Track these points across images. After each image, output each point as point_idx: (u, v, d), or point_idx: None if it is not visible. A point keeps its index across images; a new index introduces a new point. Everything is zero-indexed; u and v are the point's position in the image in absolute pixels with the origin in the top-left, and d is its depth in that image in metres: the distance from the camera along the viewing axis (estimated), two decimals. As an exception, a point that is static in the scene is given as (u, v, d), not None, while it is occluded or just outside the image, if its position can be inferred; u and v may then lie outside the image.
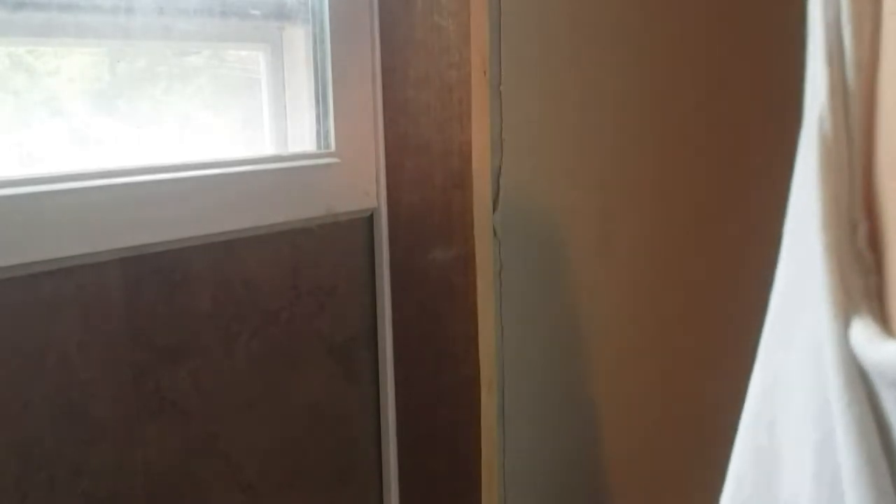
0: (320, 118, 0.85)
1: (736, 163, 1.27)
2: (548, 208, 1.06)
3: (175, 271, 0.75)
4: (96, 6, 0.70)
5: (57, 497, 0.69)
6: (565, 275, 1.10)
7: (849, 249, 0.25)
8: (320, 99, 0.85)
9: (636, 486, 1.24)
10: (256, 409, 0.82)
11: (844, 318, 0.25)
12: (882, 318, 0.25)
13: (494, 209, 0.99)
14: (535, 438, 1.09)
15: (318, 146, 0.86)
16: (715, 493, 0.34)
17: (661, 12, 1.16)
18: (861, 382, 0.24)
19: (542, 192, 1.05)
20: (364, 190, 0.88)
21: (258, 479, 0.83)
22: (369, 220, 0.90)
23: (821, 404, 0.26)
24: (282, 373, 0.84)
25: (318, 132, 0.85)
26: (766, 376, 0.31)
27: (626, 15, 1.12)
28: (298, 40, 0.85)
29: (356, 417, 0.91)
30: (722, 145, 1.26)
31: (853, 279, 0.25)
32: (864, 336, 0.24)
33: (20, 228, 0.63)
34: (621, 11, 1.11)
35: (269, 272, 0.82)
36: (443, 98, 0.96)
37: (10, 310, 0.65)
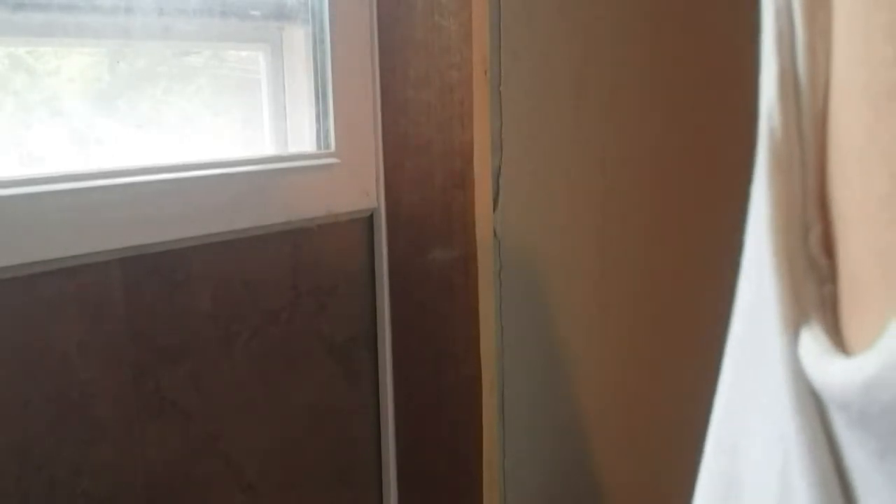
0: (320, 118, 0.85)
1: (744, 165, 1.27)
2: (547, 208, 1.06)
3: (175, 271, 0.75)
4: (96, 7, 0.70)
5: (57, 497, 0.69)
6: (565, 274, 1.10)
7: (801, 255, 0.23)
8: (320, 99, 0.85)
9: (636, 487, 1.24)
10: (256, 409, 0.82)
11: (794, 331, 0.22)
12: (835, 332, 0.22)
13: (494, 209, 0.99)
14: (535, 438, 1.09)
15: (318, 146, 0.86)
16: None
17: (662, 11, 1.16)
18: (813, 404, 0.22)
19: (542, 192, 1.05)
20: (364, 190, 0.88)
21: (258, 478, 0.83)
22: (369, 220, 0.90)
23: (779, 428, 0.23)
24: (282, 373, 0.84)
25: (317, 132, 0.86)
26: (729, 398, 0.28)
27: (626, 14, 1.12)
28: (298, 41, 0.85)
29: (356, 417, 0.92)
30: (723, 146, 1.26)
31: (805, 288, 0.23)
32: (814, 352, 0.22)
33: (20, 228, 0.63)
34: (622, 11, 1.11)
35: (269, 272, 0.82)
36: (444, 98, 0.96)
37: (10, 310, 0.65)
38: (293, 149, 0.86)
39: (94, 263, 0.69)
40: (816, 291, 0.23)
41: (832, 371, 0.21)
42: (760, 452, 0.25)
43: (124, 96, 0.75)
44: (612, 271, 1.16)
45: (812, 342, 0.22)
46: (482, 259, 1.01)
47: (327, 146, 0.85)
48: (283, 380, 0.84)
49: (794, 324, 0.23)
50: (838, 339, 0.22)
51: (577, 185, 1.10)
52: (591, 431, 1.17)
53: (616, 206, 1.14)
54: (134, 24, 0.73)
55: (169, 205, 0.72)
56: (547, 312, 1.08)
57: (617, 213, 1.15)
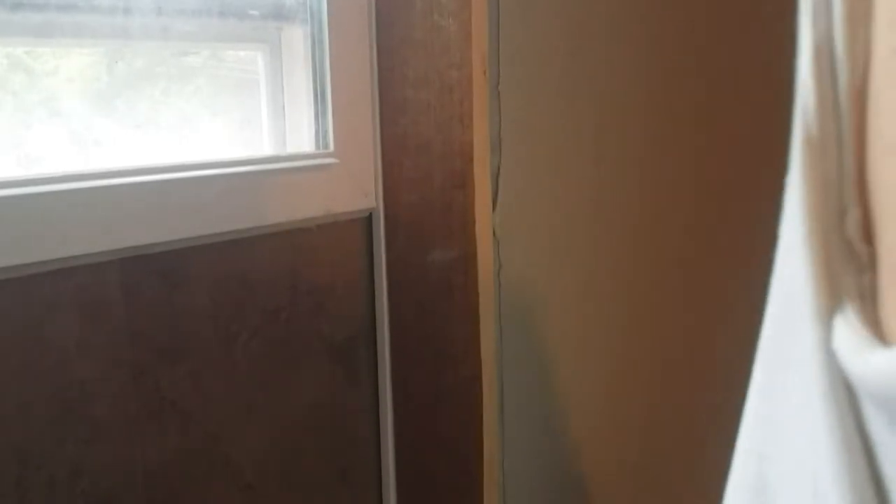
0: (319, 118, 0.85)
1: (746, 161, 1.27)
2: (546, 208, 1.06)
3: (174, 271, 0.75)
4: (94, 7, 0.70)
5: (56, 497, 0.69)
6: (564, 273, 1.10)
7: (837, 240, 0.21)
8: (319, 99, 0.85)
9: (636, 487, 1.24)
10: (255, 409, 0.82)
11: (828, 321, 0.21)
12: (875, 323, 0.20)
13: (493, 209, 0.99)
14: (535, 438, 1.09)
15: (317, 146, 0.86)
16: (713, 493, 0.31)
17: (661, 11, 1.16)
18: (847, 401, 0.20)
19: (541, 192, 1.05)
20: (363, 190, 0.88)
21: (257, 478, 0.83)
22: (368, 220, 0.90)
23: (811, 428, 0.22)
24: (281, 373, 0.84)
25: (316, 132, 0.86)
26: (760, 399, 0.26)
27: (625, 14, 1.12)
28: (297, 41, 0.85)
29: (355, 417, 0.92)
30: (723, 145, 1.26)
31: (841, 275, 0.21)
32: (850, 343, 0.20)
33: (19, 229, 0.63)
34: (621, 10, 1.11)
35: (268, 272, 0.82)
36: (443, 98, 0.96)
37: (9, 310, 0.65)
38: (292, 149, 0.86)
39: (92, 264, 0.69)
40: (854, 279, 0.21)
41: (872, 362, 0.19)
42: (791, 456, 0.24)
43: (123, 96, 0.75)
44: (610, 270, 1.16)
45: (848, 333, 0.20)
46: (482, 259, 1.01)
47: (326, 146, 0.85)
48: (282, 380, 0.84)
49: (829, 314, 0.21)
50: (878, 331, 0.20)
51: (575, 185, 1.10)
52: (590, 431, 1.17)
53: (613, 205, 1.15)
54: (132, 24, 0.73)
55: (168, 205, 0.72)
56: (546, 312, 1.08)
57: (614, 211, 1.15)
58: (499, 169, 0.99)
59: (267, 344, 0.82)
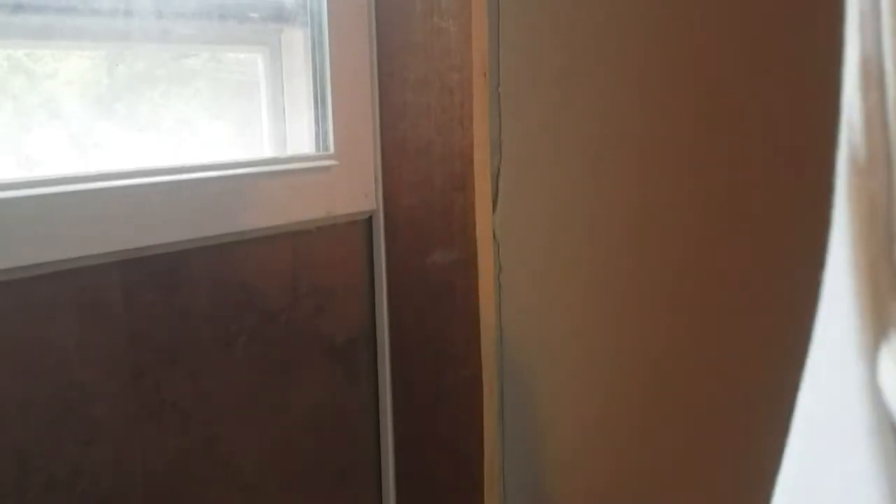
0: (319, 120, 0.85)
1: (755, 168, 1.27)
2: (546, 210, 1.07)
3: (174, 273, 0.75)
4: (95, 9, 0.71)
5: (56, 497, 0.69)
6: (564, 275, 1.10)
7: (886, 268, 0.20)
8: (319, 101, 0.85)
9: (636, 487, 1.24)
10: (255, 410, 0.82)
11: (874, 355, 0.19)
12: None
13: (493, 211, 0.99)
14: (535, 439, 1.09)
15: (317, 148, 0.86)
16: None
17: (663, 11, 1.16)
18: (895, 440, 0.19)
19: (541, 194, 1.06)
20: (363, 192, 0.88)
21: (257, 479, 0.83)
22: (368, 222, 0.90)
23: (857, 471, 0.20)
24: (280, 374, 0.84)
25: (316, 134, 0.86)
26: (802, 435, 0.24)
27: (627, 17, 1.12)
28: (297, 43, 0.85)
29: (355, 418, 0.92)
30: (730, 148, 1.26)
31: (890, 306, 0.20)
32: None
33: (19, 231, 0.64)
34: (622, 13, 1.11)
35: (268, 274, 0.82)
36: (443, 100, 0.96)
37: (9, 312, 0.65)
38: (292, 151, 0.87)
39: (92, 265, 0.69)
40: None
41: None
42: (835, 495, 0.22)
43: (123, 99, 0.75)
44: (610, 271, 1.16)
45: (895, 369, 0.19)
46: (482, 261, 1.01)
47: (326, 148, 0.86)
48: (281, 381, 0.84)
49: (875, 348, 0.20)
50: None
51: (576, 187, 1.10)
52: (591, 432, 1.17)
53: (614, 207, 1.14)
54: (132, 26, 0.73)
55: (167, 207, 0.72)
56: (547, 314, 1.08)
57: (615, 213, 1.15)
58: (499, 171, 0.99)
59: (266, 345, 0.82)
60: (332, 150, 0.85)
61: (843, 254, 0.21)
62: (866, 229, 0.20)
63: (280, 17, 0.84)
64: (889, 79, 0.20)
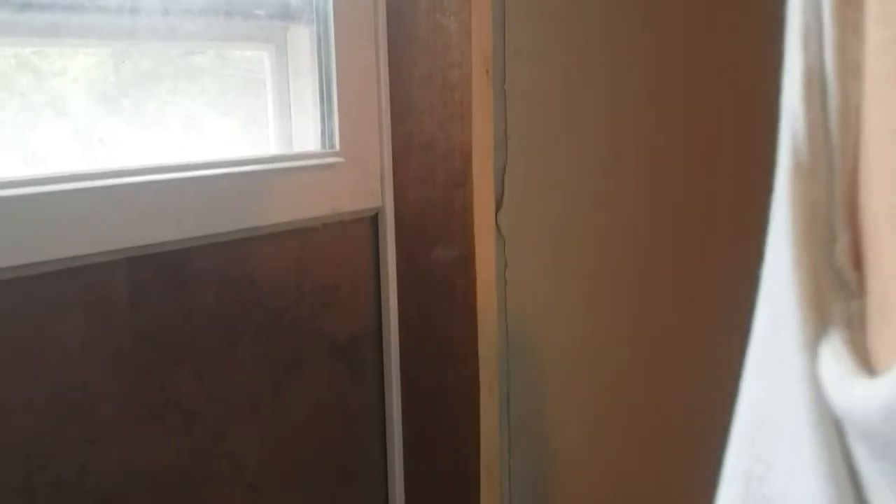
0: (325, 118, 0.85)
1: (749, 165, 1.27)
2: (553, 206, 1.06)
3: (180, 270, 0.75)
4: (101, 7, 0.70)
5: (62, 496, 0.69)
6: (569, 272, 1.10)
7: (826, 267, 0.21)
8: (325, 98, 0.85)
9: (636, 487, 1.24)
10: (260, 409, 0.82)
11: (815, 350, 0.20)
12: (863, 353, 0.20)
13: (499, 208, 0.99)
14: (540, 437, 1.09)
15: (323, 146, 0.86)
16: (713, 493, 0.31)
17: (668, 7, 1.16)
18: (834, 432, 0.20)
19: (548, 191, 1.05)
20: (369, 189, 0.88)
21: (262, 478, 0.83)
22: (374, 219, 0.90)
23: (798, 458, 0.21)
24: (286, 371, 0.84)
25: (322, 132, 0.86)
26: (746, 423, 0.25)
27: (630, 12, 1.12)
28: (303, 40, 0.85)
29: (360, 416, 0.92)
30: (730, 144, 1.26)
31: (829, 303, 0.20)
32: (835, 373, 0.19)
33: (26, 228, 0.63)
34: (626, 8, 1.11)
35: (273, 271, 0.82)
36: (445, 97, 0.96)
37: (15, 309, 0.65)
38: (298, 148, 0.86)
39: (98, 263, 0.69)
40: (842, 307, 0.21)
41: (854, 394, 0.19)
42: (780, 479, 0.23)
43: (129, 96, 0.75)
44: (618, 269, 1.16)
45: (834, 362, 0.20)
46: (483, 258, 1.01)
47: (332, 146, 0.85)
48: (286, 379, 0.84)
49: (815, 342, 0.20)
50: (865, 361, 0.20)
51: (582, 184, 1.10)
52: (594, 431, 1.17)
53: (623, 204, 1.14)
54: (139, 24, 0.73)
55: (173, 204, 0.72)
56: (552, 311, 1.08)
57: (623, 210, 1.15)
58: (504, 167, 0.99)
59: (272, 343, 0.82)
60: (337, 147, 0.85)
61: (785, 254, 0.22)
62: (809, 231, 0.21)
63: (286, 14, 0.84)
64: (831, 90, 0.21)
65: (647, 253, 1.20)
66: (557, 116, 1.05)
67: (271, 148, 0.86)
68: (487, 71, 0.97)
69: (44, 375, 0.67)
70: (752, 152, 1.26)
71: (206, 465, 0.79)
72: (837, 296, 0.21)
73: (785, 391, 0.22)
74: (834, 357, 0.20)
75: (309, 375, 0.86)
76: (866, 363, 0.20)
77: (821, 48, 0.21)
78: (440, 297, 0.98)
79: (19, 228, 0.63)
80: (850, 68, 0.20)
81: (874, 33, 0.20)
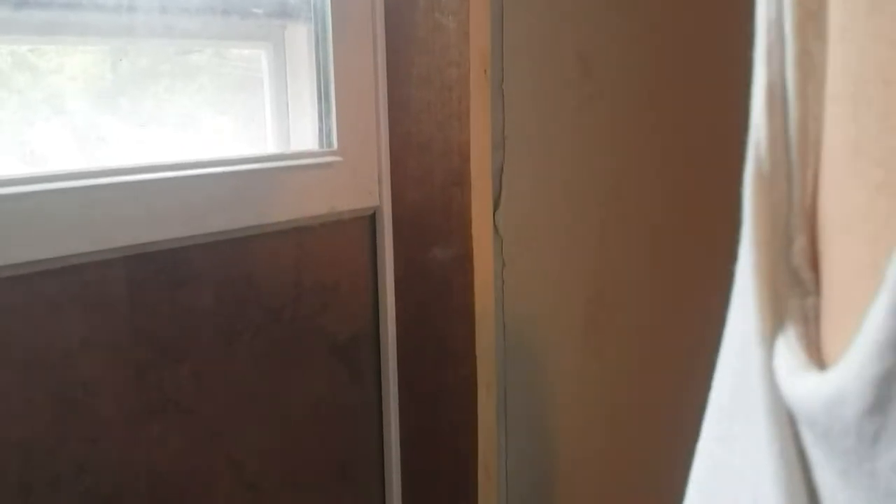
0: (322, 116, 0.85)
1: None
2: (551, 206, 1.06)
3: (178, 269, 0.75)
4: (99, 5, 0.70)
5: (60, 495, 0.69)
6: (567, 272, 1.10)
7: (783, 267, 0.22)
8: (322, 97, 0.85)
9: (635, 486, 1.24)
10: (259, 407, 0.82)
11: (771, 344, 0.22)
12: (816, 347, 0.21)
13: (497, 207, 0.99)
14: (538, 437, 1.09)
15: (321, 144, 0.86)
16: None
17: (667, 6, 1.16)
18: (787, 422, 0.21)
19: (546, 191, 1.05)
20: (367, 188, 0.88)
21: (261, 477, 0.83)
22: (372, 218, 0.90)
23: (755, 446, 0.23)
24: (284, 371, 0.84)
25: (320, 130, 0.86)
26: (715, 418, 0.27)
27: (630, 12, 1.12)
28: (300, 39, 0.85)
29: (359, 415, 0.92)
30: (731, 144, 1.26)
31: (786, 300, 0.22)
32: (788, 366, 0.21)
33: (23, 227, 0.63)
34: (626, 9, 1.11)
35: (271, 270, 0.82)
36: (443, 96, 0.96)
37: (13, 308, 0.65)
38: (296, 147, 0.86)
39: (97, 262, 0.69)
40: (798, 304, 0.22)
41: (802, 386, 0.20)
42: (738, 472, 0.25)
43: (127, 94, 0.75)
44: (614, 269, 1.16)
45: (788, 356, 0.21)
46: (481, 257, 1.01)
47: (330, 144, 0.85)
48: (285, 378, 0.84)
49: (772, 337, 0.22)
50: (818, 355, 0.21)
51: (580, 184, 1.10)
52: (590, 431, 1.17)
53: (620, 205, 1.14)
54: (136, 22, 0.73)
55: (171, 203, 0.72)
56: (550, 312, 1.08)
57: (620, 211, 1.15)
58: (502, 167, 0.99)
59: (270, 342, 0.82)
60: (335, 146, 0.85)
61: (748, 255, 0.23)
62: (768, 234, 0.23)
63: (284, 12, 0.84)
64: (791, 104, 0.22)
65: (647, 252, 1.20)
66: (555, 116, 1.05)
67: (269, 147, 0.86)
68: (485, 70, 0.97)
69: (42, 374, 0.67)
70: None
71: (204, 463, 0.79)
72: (794, 293, 0.22)
73: (746, 380, 0.24)
74: (788, 351, 0.21)
75: (308, 374, 0.86)
76: (818, 358, 0.21)
77: (782, 62, 0.23)
78: (438, 297, 0.98)
79: (17, 227, 0.63)
80: (809, 86, 0.22)
81: (836, 47, 0.21)
